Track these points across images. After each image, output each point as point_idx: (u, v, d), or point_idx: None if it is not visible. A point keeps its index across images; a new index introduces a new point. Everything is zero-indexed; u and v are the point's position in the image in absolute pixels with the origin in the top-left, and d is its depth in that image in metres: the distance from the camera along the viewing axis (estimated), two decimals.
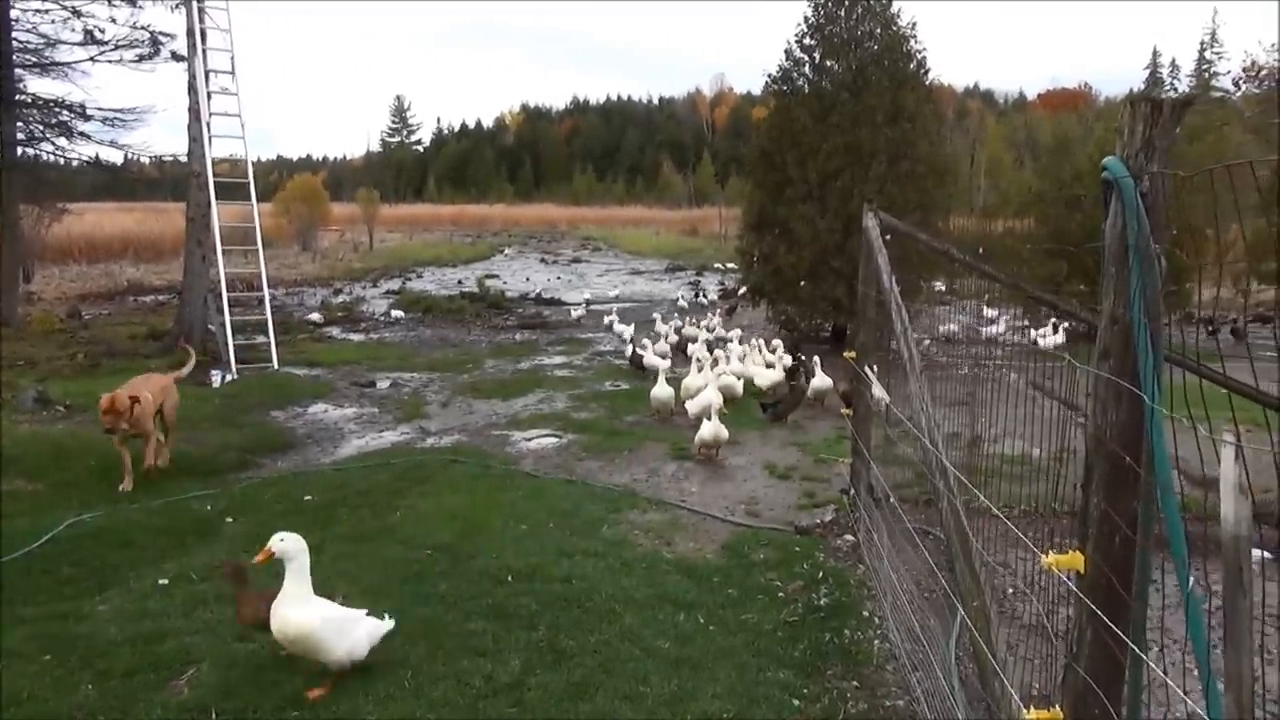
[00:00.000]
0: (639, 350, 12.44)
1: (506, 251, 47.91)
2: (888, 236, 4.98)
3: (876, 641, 4.23)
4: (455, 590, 4.90)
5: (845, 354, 6.05)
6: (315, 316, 19.35)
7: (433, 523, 6.11)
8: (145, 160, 19.99)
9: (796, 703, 3.68)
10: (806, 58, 14.99)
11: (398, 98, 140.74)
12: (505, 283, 29.44)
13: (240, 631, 4.37)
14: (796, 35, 14.98)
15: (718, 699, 3.69)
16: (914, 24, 14.67)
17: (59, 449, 7.72)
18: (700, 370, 9.97)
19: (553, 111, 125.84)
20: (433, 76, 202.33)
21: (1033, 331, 13.31)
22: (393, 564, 5.33)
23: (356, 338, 17.45)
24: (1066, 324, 12.40)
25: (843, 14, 14.67)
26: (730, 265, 36.13)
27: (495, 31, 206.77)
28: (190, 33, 13.67)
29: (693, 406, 9.28)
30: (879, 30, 14.62)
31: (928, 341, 7.97)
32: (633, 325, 15.77)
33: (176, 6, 16.81)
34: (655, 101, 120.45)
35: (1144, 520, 1.77)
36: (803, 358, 11.29)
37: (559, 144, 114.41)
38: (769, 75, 15.34)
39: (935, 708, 3.43)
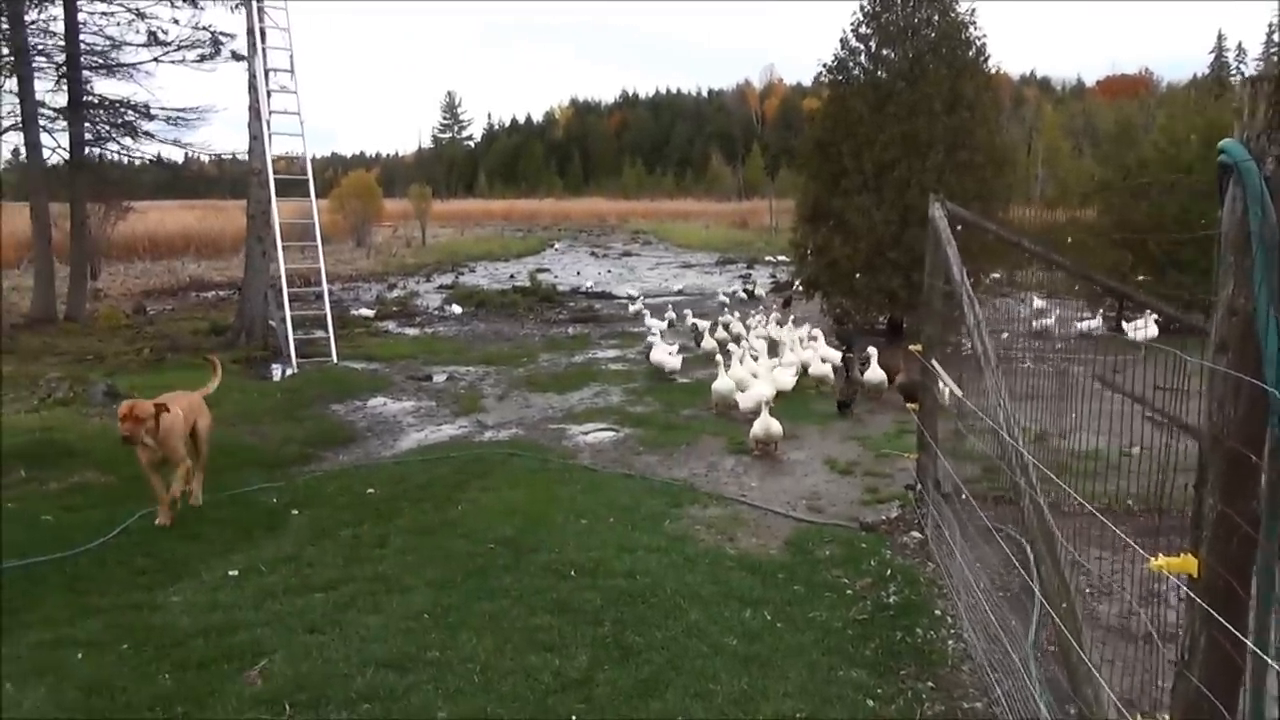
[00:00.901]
0: (652, 344, 12.25)
1: (557, 246, 48.08)
2: (958, 228, 4.86)
3: (950, 641, 4.13)
4: (519, 584, 4.90)
5: (911, 347, 5.92)
6: (365, 312, 19.50)
7: (493, 517, 6.12)
8: (205, 159, 20.46)
9: (871, 703, 3.60)
10: (862, 46, 14.76)
11: (448, 94, 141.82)
12: (556, 276, 29.53)
13: (312, 623, 4.42)
14: (852, 24, 14.77)
15: (789, 698, 3.63)
16: (973, 10, 14.38)
17: None
18: (740, 363, 9.98)
19: (601, 106, 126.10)
20: (483, 73, 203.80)
21: (1124, 324, 13.05)
22: (456, 557, 5.35)
23: (412, 332, 17.62)
24: (1157, 317, 12.07)
25: (899, 2, 14.43)
26: (782, 258, 35.84)
27: (541, 29, 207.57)
28: (250, 32, 13.88)
29: (744, 400, 9.21)
30: (936, 18, 14.34)
31: (1005, 334, 7.81)
32: (665, 321, 15.58)
33: (236, 7, 17.16)
34: (704, 94, 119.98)
35: (1268, 520, 1.67)
36: (851, 354, 11.16)
37: (608, 138, 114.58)
38: (824, 65, 15.15)
39: (1016, 710, 3.34)
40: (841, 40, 14.85)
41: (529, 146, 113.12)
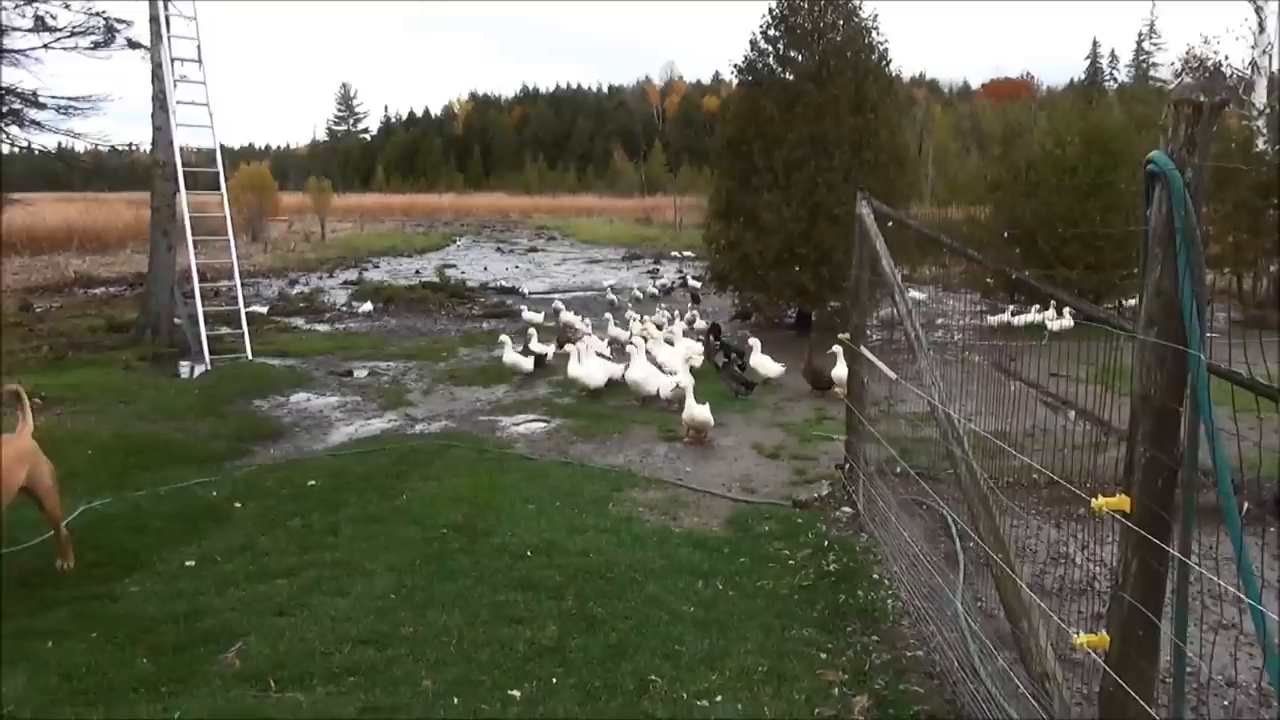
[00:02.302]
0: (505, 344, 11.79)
1: (460, 242, 47.67)
2: (890, 224, 5.26)
3: (889, 600, 4.52)
4: (477, 565, 5.09)
5: (840, 336, 6.34)
6: (257, 308, 18.25)
7: (440, 504, 6.27)
8: (80, 149, 19.60)
9: (824, 656, 3.95)
10: (771, 49, 15.29)
11: (344, 86, 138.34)
12: (464, 272, 29.38)
13: (279, 606, 4.53)
14: (761, 26, 15.29)
15: (750, 655, 3.94)
16: (875, 16, 15.06)
17: (51, 439, 7.63)
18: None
19: (502, 100, 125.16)
20: (378, 65, 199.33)
21: (1042, 315, 13.89)
22: (410, 543, 5.49)
23: (323, 328, 17.39)
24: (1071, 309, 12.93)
25: (806, 6, 14.99)
26: (688, 253, 36.48)
27: (440, 18, 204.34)
28: (154, 19, 13.50)
29: (664, 389, 9.62)
30: (841, 22, 14.97)
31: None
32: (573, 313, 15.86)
33: None
34: (605, 90, 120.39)
35: (1189, 460, 2.05)
36: (718, 340, 11.94)
37: (509, 133, 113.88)
38: (734, 65, 15.63)
39: (951, 656, 3.73)
40: (751, 42, 15.36)
41: (427, 140, 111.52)
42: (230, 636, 4.22)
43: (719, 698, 3.59)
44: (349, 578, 4.93)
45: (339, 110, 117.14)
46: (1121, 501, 2.18)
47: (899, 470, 4.97)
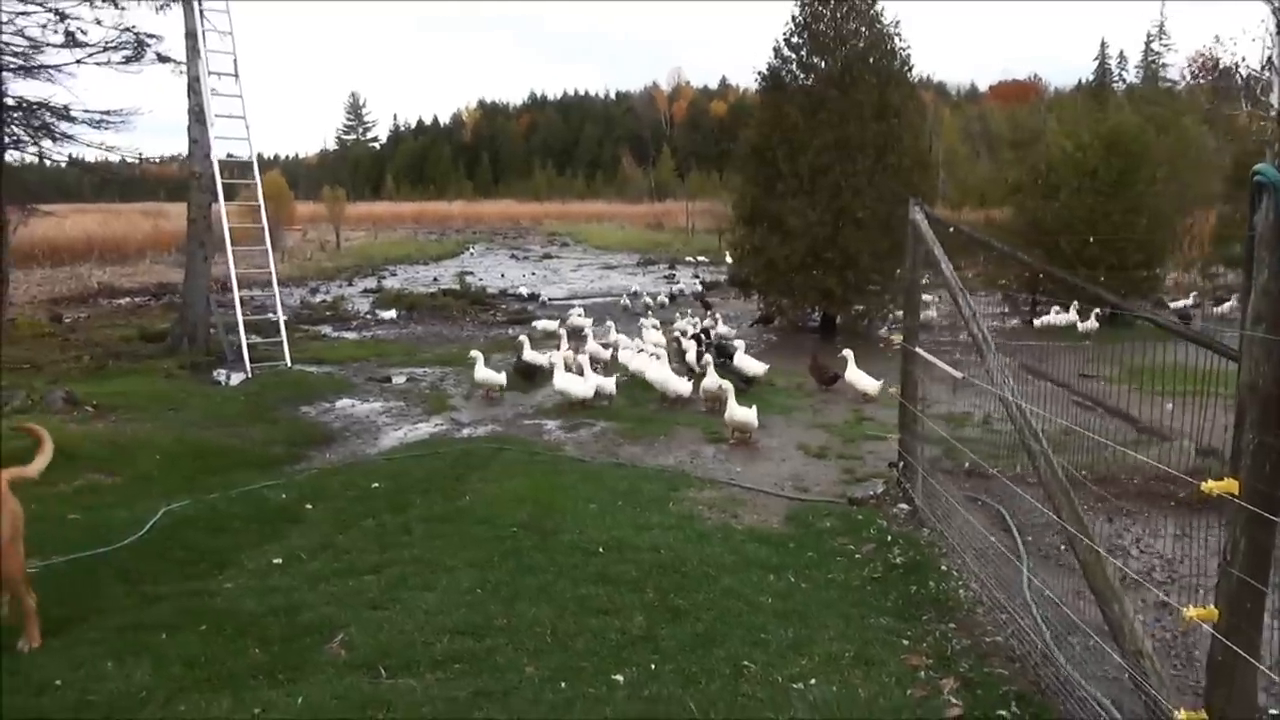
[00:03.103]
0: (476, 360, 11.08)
1: (473, 249, 48.05)
2: (953, 229, 5.45)
3: (961, 590, 4.70)
4: (554, 562, 5.28)
5: (891, 338, 6.52)
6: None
7: (503, 505, 6.46)
8: (95, 160, 19.88)
9: (905, 642, 4.14)
10: (794, 55, 15.52)
11: (352, 95, 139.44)
12: (481, 279, 29.68)
13: (372, 600, 4.73)
14: (784, 34, 15.52)
15: (834, 641, 4.13)
16: (897, 22, 15.28)
17: (117, 445, 7.94)
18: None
19: (510, 107, 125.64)
20: (385, 72, 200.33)
21: (1075, 317, 14.18)
22: (483, 541, 5.68)
23: (351, 336, 17.67)
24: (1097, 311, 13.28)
25: (828, 13, 15.21)
26: (701, 258, 36.72)
27: (450, 23, 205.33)
28: (190, 35, 13.79)
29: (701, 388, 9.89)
30: (864, 29, 15.19)
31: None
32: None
33: (162, 8, 16.86)
34: (612, 96, 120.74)
35: None
36: (709, 342, 12.21)
37: (517, 139, 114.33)
38: (758, 72, 15.87)
39: (1029, 642, 3.91)
40: (775, 49, 15.60)
41: (436, 148, 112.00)
42: (331, 628, 4.41)
43: (812, 680, 3.77)
44: (432, 574, 5.12)
45: (348, 119, 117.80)
46: (1230, 485, 2.37)
47: (954, 467, 5.15)
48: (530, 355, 11.92)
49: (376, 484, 7.13)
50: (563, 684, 3.80)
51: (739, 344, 11.85)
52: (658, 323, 15.20)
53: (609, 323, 15.40)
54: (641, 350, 11.84)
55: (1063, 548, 5.33)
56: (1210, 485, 2.39)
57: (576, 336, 14.51)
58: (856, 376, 10.45)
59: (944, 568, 4.98)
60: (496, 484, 7.07)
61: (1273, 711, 3.37)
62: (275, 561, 5.38)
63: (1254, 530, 2.33)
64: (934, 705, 3.58)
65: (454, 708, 3.62)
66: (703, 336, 13.05)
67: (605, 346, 13.11)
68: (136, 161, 19.15)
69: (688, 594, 4.75)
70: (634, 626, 4.34)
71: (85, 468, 7.17)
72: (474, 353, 11.14)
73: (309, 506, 6.56)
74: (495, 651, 4.12)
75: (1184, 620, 2.47)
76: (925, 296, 11.91)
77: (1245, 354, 2.38)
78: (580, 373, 10.45)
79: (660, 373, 10.46)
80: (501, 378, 11.03)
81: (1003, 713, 3.48)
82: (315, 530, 6.01)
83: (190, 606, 4.68)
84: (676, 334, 13.81)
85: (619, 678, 3.84)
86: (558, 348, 12.13)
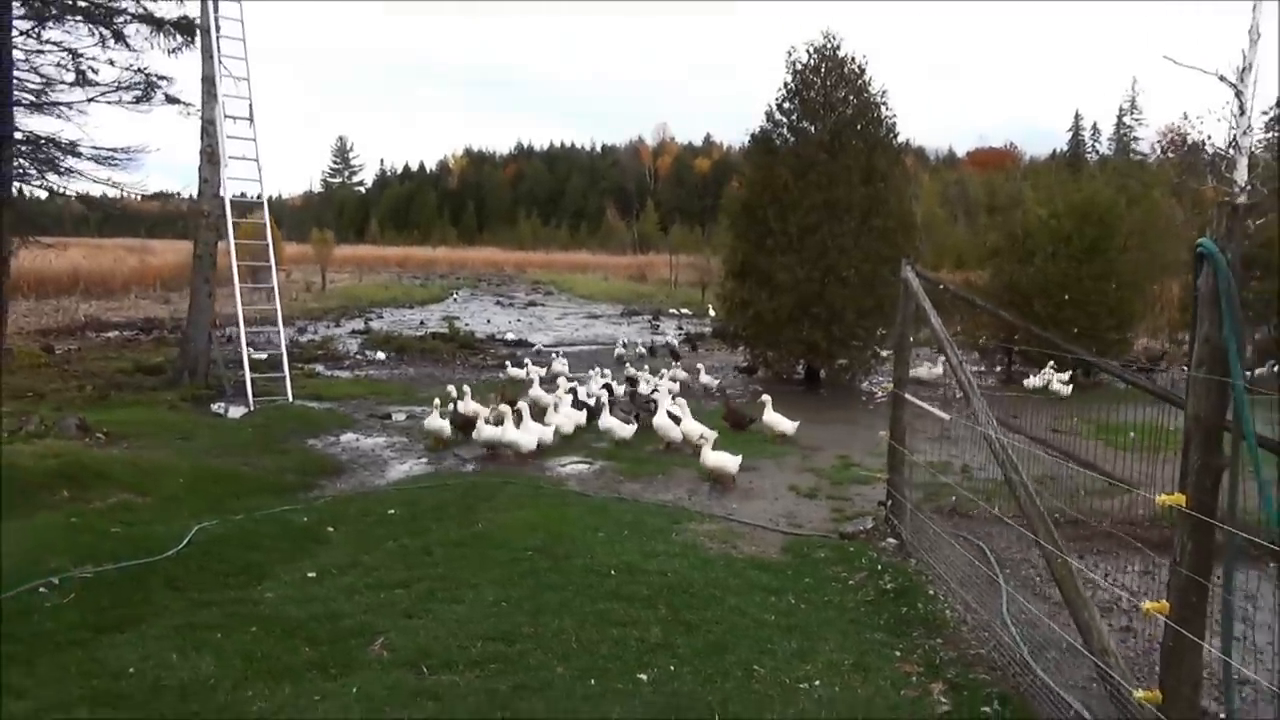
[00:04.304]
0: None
1: (458, 294, 48.51)
2: (941, 286, 6.02)
3: (948, 612, 5.17)
4: (570, 581, 5.69)
5: (884, 386, 7.06)
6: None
7: (516, 531, 6.86)
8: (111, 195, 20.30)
9: (898, 653, 4.59)
10: (785, 120, 16.31)
11: (340, 139, 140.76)
12: (468, 324, 30.12)
13: (406, 610, 5.13)
14: (777, 99, 16.33)
15: (834, 652, 4.58)
16: (884, 91, 16.11)
17: (139, 468, 8.28)
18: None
19: (496, 156, 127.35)
20: (374, 119, 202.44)
21: (1051, 376, 14.92)
22: (501, 563, 6.08)
23: (344, 374, 18.02)
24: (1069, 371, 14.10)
25: (819, 80, 16.04)
26: (685, 310, 37.44)
27: (436, 76, 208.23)
28: (207, 79, 14.35)
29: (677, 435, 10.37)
30: (852, 97, 16.01)
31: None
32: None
33: (173, 52, 17.46)
34: (598, 149, 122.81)
35: (1234, 464, 2.76)
36: (634, 391, 12.81)
37: (503, 188, 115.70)
38: (750, 134, 16.65)
39: (1007, 655, 4.38)
40: (767, 113, 16.40)
41: (422, 194, 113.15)
42: (371, 633, 4.80)
43: (817, 682, 4.22)
44: (458, 589, 5.52)
45: (334, 162, 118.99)
46: (1179, 498, 2.87)
47: (937, 509, 5.64)
48: (466, 405, 11.26)
49: (392, 510, 7.52)
50: (592, 681, 4.21)
51: (657, 397, 11.55)
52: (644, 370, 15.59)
53: (593, 370, 15.80)
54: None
55: (1038, 579, 5.84)
56: (1163, 498, 2.90)
57: (551, 382, 14.87)
58: (774, 419, 11.02)
59: (931, 593, 5.45)
60: (507, 513, 7.46)
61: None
62: (310, 575, 5.76)
63: (1199, 535, 2.83)
64: (925, 704, 4.03)
65: (497, 699, 4.03)
66: (612, 387, 13.51)
67: (569, 392, 12.50)
68: (135, 197, 19.69)
69: (697, 610, 5.18)
70: (651, 636, 4.77)
71: (116, 488, 7.52)
72: (437, 400, 10.72)
73: (331, 529, 6.95)
74: (526, 655, 4.53)
75: (1143, 611, 2.95)
76: (917, 372, 12.56)
77: (1191, 392, 2.90)
78: (516, 423, 9.95)
79: (607, 420, 10.93)
80: (447, 428, 10.43)
81: (986, 710, 3.93)
82: (341, 550, 6.39)
83: (238, 611, 5.06)
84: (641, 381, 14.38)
85: (643, 677, 4.26)
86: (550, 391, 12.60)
